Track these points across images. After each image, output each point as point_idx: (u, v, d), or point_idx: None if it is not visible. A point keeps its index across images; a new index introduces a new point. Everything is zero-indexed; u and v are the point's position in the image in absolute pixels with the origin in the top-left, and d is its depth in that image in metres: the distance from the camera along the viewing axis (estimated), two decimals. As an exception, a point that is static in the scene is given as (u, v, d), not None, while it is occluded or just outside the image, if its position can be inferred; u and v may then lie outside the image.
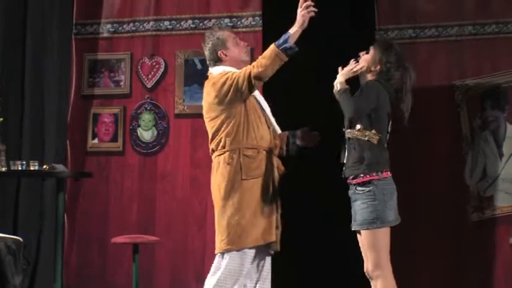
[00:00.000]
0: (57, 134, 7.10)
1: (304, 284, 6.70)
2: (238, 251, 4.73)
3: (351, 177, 4.67)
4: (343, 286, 6.40)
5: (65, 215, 6.57)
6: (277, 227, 4.83)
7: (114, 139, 6.83)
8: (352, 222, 4.69)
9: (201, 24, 6.77)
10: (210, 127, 4.92)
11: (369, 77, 4.79)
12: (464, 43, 6.32)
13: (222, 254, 4.77)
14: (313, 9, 4.72)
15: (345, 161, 4.74)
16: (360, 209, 4.62)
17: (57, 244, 6.26)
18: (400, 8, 6.44)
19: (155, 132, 6.78)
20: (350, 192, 4.72)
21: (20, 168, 6.10)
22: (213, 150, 4.90)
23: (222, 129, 4.82)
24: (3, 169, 6.10)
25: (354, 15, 6.50)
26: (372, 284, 4.66)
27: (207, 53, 5.02)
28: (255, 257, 4.78)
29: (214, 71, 4.96)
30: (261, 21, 6.60)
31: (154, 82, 6.81)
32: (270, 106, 5.04)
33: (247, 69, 4.76)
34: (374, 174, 4.60)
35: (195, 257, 6.54)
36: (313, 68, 6.36)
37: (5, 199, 7.13)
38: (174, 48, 6.79)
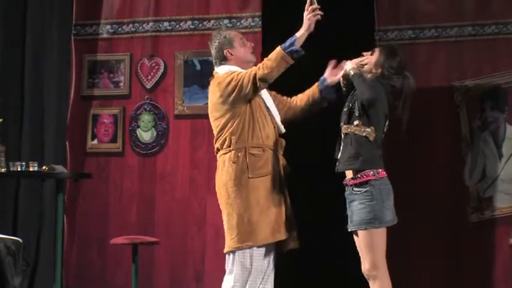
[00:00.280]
0: (56, 134, 7.11)
1: (304, 284, 6.71)
2: (248, 249, 4.75)
3: (349, 179, 4.68)
4: (343, 286, 6.40)
5: (65, 215, 6.58)
6: (292, 227, 4.86)
7: (114, 140, 6.83)
8: (349, 223, 4.69)
9: (200, 25, 6.77)
10: (215, 126, 4.94)
11: (369, 77, 4.80)
12: (463, 44, 6.32)
13: (233, 252, 4.79)
14: (320, 12, 4.75)
15: (338, 157, 4.75)
16: (357, 209, 4.62)
17: (57, 245, 6.26)
18: (400, 8, 6.44)
19: (155, 133, 6.78)
20: (346, 193, 4.73)
21: (19, 169, 6.10)
22: (218, 150, 4.93)
23: (227, 128, 4.84)
24: (3, 170, 6.10)
25: (353, 16, 6.49)
26: (370, 284, 4.67)
27: (213, 51, 5.04)
28: (264, 254, 4.80)
29: (220, 71, 4.98)
30: (260, 22, 6.60)
31: (153, 83, 6.81)
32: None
33: (253, 70, 4.77)
34: (370, 172, 4.60)
35: (194, 258, 6.54)
36: (312, 69, 6.35)
37: (4, 200, 7.14)
38: (173, 49, 6.78)
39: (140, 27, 6.86)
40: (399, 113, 4.74)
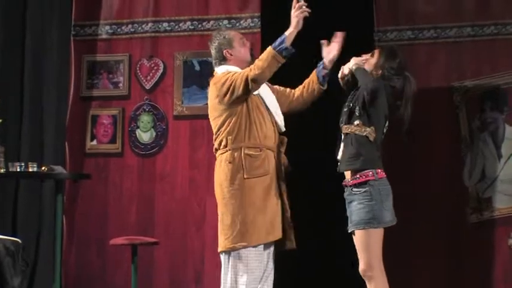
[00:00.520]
0: (55, 135, 7.11)
1: (303, 284, 6.71)
2: (242, 249, 4.74)
3: (348, 179, 4.68)
4: (343, 286, 6.40)
5: (64, 216, 6.58)
6: (289, 227, 4.85)
7: (113, 140, 6.83)
8: (349, 224, 4.69)
9: (199, 26, 6.77)
10: (213, 126, 4.96)
11: None
12: (463, 44, 6.32)
13: (228, 253, 4.79)
14: (306, 9, 4.74)
15: (338, 157, 4.76)
16: (356, 209, 4.62)
17: (56, 245, 6.27)
18: (399, 9, 6.44)
19: (154, 134, 6.78)
20: (346, 194, 4.73)
21: (18, 170, 6.10)
22: (216, 149, 4.94)
23: (224, 128, 4.85)
24: (2, 170, 6.10)
25: (352, 17, 6.49)
26: (367, 284, 4.67)
27: (213, 51, 5.05)
28: (261, 254, 4.79)
29: (219, 70, 4.99)
30: (259, 23, 6.60)
31: (153, 83, 6.81)
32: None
33: (245, 71, 4.77)
34: (369, 172, 4.61)
35: (194, 258, 6.54)
36: (312, 69, 6.36)
37: (3, 200, 7.13)
38: (172, 50, 6.78)
39: (139, 28, 6.86)
40: (401, 114, 4.74)
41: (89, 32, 6.96)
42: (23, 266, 5.56)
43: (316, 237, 6.52)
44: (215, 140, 4.93)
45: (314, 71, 5.12)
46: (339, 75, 4.95)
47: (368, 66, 4.81)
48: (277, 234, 4.81)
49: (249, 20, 6.65)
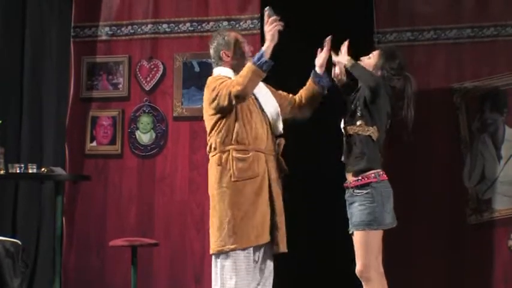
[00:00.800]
0: (55, 136, 7.11)
1: (303, 284, 6.71)
2: (231, 252, 4.74)
3: (350, 181, 4.68)
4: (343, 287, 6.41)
5: (64, 217, 6.57)
6: (276, 229, 4.82)
7: (113, 142, 6.83)
8: (350, 225, 4.69)
9: (199, 27, 6.77)
10: (206, 127, 4.98)
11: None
12: (462, 46, 6.33)
13: (217, 255, 4.79)
14: (279, 23, 4.77)
15: (342, 159, 4.75)
16: (357, 210, 4.63)
17: (56, 247, 6.26)
18: (399, 10, 6.45)
19: (153, 135, 6.78)
20: (347, 195, 4.73)
21: (18, 171, 6.09)
22: (208, 152, 4.94)
23: (214, 130, 4.87)
24: (2, 172, 6.10)
25: (352, 18, 6.49)
26: (363, 286, 4.67)
27: (211, 52, 5.04)
28: (249, 258, 4.78)
29: (214, 72, 4.99)
30: (259, 24, 6.59)
31: (152, 85, 6.81)
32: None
33: (229, 87, 4.75)
34: (371, 174, 4.61)
35: (193, 260, 6.54)
36: (312, 70, 6.36)
37: (3, 202, 7.13)
38: (172, 51, 6.78)
39: (139, 29, 6.86)
40: (404, 114, 4.74)
41: (88, 33, 6.96)
42: (22, 268, 5.56)
43: (316, 238, 6.52)
44: (208, 141, 4.95)
45: (311, 79, 5.14)
46: (333, 74, 4.95)
47: (367, 68, 4.80)
48: (267, 238, 4.80)
49: (249, 21, 6.65)
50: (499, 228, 6.14)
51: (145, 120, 6.79)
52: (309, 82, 5.14)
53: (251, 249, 4.76)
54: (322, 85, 5.08)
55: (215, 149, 4.85)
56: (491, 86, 6.22)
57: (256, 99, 4.96)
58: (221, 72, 4.95)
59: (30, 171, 6.09)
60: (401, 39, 6.42)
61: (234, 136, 4.80)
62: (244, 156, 4.79)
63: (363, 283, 4.65)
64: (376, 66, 4.79)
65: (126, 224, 6.68)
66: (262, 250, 4.83)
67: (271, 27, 4.77)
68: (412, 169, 6.19)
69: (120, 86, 6.87)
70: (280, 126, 5.00)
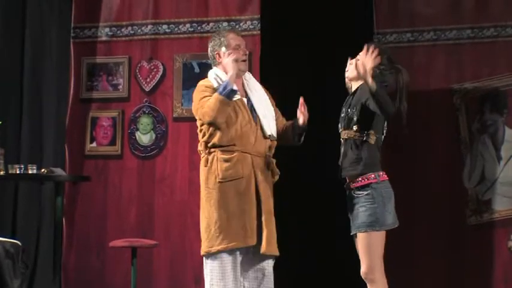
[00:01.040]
0: (55, 137, 7.11)
1: (303, 284, 6.71)
2: (217, 253, 4.75)
3: (350, 182, 4.67)
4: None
5: (63, 218, 6.57)
6: (264, 231, 4.81)
7: (113, 143, 6.83)
8: (352, 226, 4.69)
9: (199, 28, 6.77)
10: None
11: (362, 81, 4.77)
12: (462, 47, 6.32)
13: (207, 256, 4.81)
14: (233, 55, 4.89)
15: (339, 163, 4.75)
16: (358, 212, 4.62)
17: (56, 248, 6.26)
18: (399, 11, 6.44)
19: (153, 136, 6.78)
20: (347, 196, 4.73)
21: (18, 172, 6.10)
22: (200, 153, 4.99)
23: (202, 131, 4.95)
24: (2, 173, 6.11)
25: (352, 19, 6.49)
26: (368, 287, 4.67)
27: (208, 52, 5.08)
28: (235, 260, 4.78)
29: (209, 74, 5.05)
30: (259, 25, 6.59)
31: (152, 86, 6.81)
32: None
33: (203, 114, 4.85)
34: (371, 175, 4.60)
35: (193, 260, 6.53)
36: (312, 71, 6.37)
37: (3, 203, 7.13)
38: (172, 52, 6.78)
39: (139, 30, 6.86)
40: (397, 105, 4.69)
41: (88, 34, 6.96)
42: (22, 268, 5.56)
43: (316, 238, 6.52)
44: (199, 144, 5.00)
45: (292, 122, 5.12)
46: (346, 74, 4.90)
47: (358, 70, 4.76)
48: (253, 240, 4.80)
49: (249, 22, 6.65)
50: (499, 229, 6.14)
51: (145, 121, 6.79)
52: (290, 124, 5.12)
53: (237, 251, 4.78)
54: (299, 133, 5.06)
55: (203, 150, 4.92)
56: (491, 87, 6.22)
57: (250, 101, 4.98)
58: (216, 72, 5.02)
59: (30, 171, 6.11)
60: (401, 40, 6.42)
61: (220, 138, 4.84)
62: (228, 156, 4.83)
63: (367, 285, 4.64)
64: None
65: (126, 225, 6.68)
66: (252, 251, 4.83)
67: (228, 60, 4.91)
68: (412, 170, 6.19)
69: (120, 86, 6.87)
70: (273, 128, 4.99)
